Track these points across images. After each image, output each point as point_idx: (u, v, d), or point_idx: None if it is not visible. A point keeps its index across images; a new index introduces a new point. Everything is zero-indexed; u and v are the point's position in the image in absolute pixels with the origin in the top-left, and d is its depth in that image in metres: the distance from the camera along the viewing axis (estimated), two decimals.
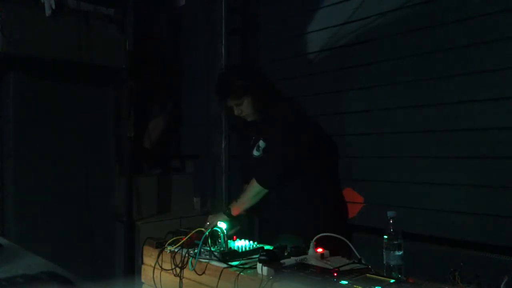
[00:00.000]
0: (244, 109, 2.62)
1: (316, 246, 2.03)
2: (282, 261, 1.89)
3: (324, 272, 1.72)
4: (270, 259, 1.84)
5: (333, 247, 2.06)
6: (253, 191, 2.51)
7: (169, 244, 2.25)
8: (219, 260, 2.02)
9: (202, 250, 2.08)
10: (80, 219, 3.32)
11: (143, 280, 2.39)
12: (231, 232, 2.41)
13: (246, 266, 1.95)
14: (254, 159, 2.65)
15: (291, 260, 1.93)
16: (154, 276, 2.24)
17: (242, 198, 2.54)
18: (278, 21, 3.47)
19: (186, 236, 2.18)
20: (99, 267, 3.37)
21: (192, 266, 2.05)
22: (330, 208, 2.69)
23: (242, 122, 2.76)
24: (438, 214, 2.52)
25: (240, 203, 2.53)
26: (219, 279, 1.92)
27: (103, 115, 3.50)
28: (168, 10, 4.32)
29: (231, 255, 2.05)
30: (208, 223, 2.50)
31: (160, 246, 2.28)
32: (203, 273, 2.02)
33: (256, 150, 2.65)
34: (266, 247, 2.19)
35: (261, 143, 2.63)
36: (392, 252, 1.72)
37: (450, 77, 2.48)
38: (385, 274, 1.71)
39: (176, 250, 2.18)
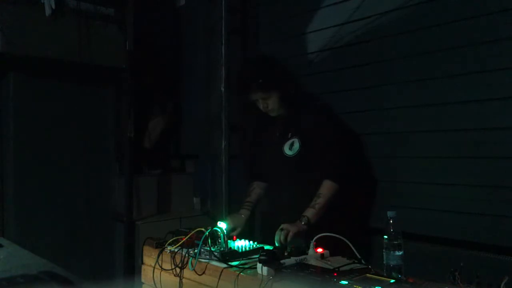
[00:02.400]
0: (271, 103, 2.47)
1: (316, 246, 2.03)
2: (282, 261, 1.89)
3: (324, 272, 1.72)
4: (270, 259, 1.84)
5: (337, 247, 2.05)
6: (331, 192, 2.35)
7: (169, 244, 2.24)
8: (219, 260, 2.02)
9: (202, 250, 2.08)
10: (80, 219, 3.32)
11: (143, 280, 2.39)
12: (233, 233, 2.41)
13: (246, 266, 1.95)
14: (287, 157, 2.48)
15: (291, 260, 1.93)
16: (154, 276, 2.24)
17: (320, 203, 2.31)
18: (278, 21, 3.47)
19: (186, 236, 2.18)
20: (99, 267, 3.37)
21: (192, 266, 2.05)
22: (355, 210, 2.60)
23: (261, 116, 2.60)
24: (438, 214, 2.52)
25: (319, 208, 2.30)
26: (219, 279, 1.92)
27: (103, 115, 3.50)
28: (168, 10, 4.32)
29: (231, 255, 2.05)
30: (286, 231, 2.21)
31: (160, 246, 2.28)
32: (203, 273, 2.02)
33: (289, 149, 2.49)
34: (266, 247, 2.19)
35: (296, 142, 2.48)
36: (392, 252, 1.72)
37: (450, 77, 2.48)
38: (385, 274, 1.71)
39: (176, 250, 2.18)
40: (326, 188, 2.35)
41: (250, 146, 3.03)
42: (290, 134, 2.51)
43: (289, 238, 2.18)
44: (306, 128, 2.47)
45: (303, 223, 2.26)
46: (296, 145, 2.47)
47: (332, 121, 2.61)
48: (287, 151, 2.49)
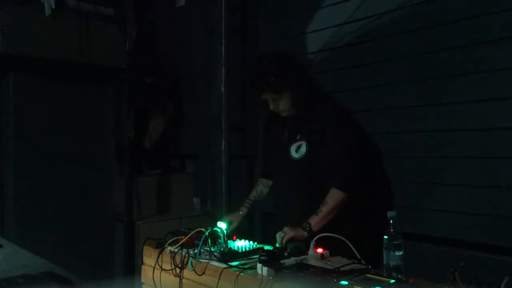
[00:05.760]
0: (282, 104, 2.37)
1: (316, 246, 2.03)
2: (282, 261, 1.89)
3: (324, 273, 1.72)
4: (270, 259, 1.84)
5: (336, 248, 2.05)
6: (336, 200, 2.26)
7: (169, 244, 2.24)
8: (219, 260, 2.02)
9: (202, 250, 2.08)
10: (80, 219, 3.32)
11: (143, 280, 2.39)
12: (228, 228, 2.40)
13: (246, 266, 1.95)
14: (293, 160, 2.40)
15: (291, 260, 1.92)
16: (154, 276, 2.24)
17: (323, 211, 2.24)
18: (278, 21, 3.47)
19: (186, 236, 2.18)
20: (99, 267, 3.37)
21: (192, 267, 2.05)
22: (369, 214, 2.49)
23: (272, 114, 2.51)
24: (439, 214, 2.52)
25: (322, 216, 2.23)
26: (219, 279, 1.92)
27: (103, 115, 3.50)
28: (168, 10, 4.32)
29: (231, 255, 2.05)
30: (284, 233, 2.18)
31: (160, 246, 2.28)
32: (203, 273, 2.02)
33: (295, 151, 2.41)
34: (266, 247, 2.19)
35: (303, 146, 2.39)
36: (392, 252, 1.72)
37: (450, 77, 2.48)
38: (385, 274, 1.71)
39: (176, 250, 2.18)
40: (332, 197, 2.27)
41: (262, 142, 2.96)
42: (298, 136, 2.42)
43: (284, 241, 2.16)
44: (316, 133, 2.38)
45: (304, 229, 2.21)
46: (303, 149, 2.39)
47: (344, 127, 2.43)
48: (293, 153, 2.42)
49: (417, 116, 2.62)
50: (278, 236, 2.19)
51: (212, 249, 2.06)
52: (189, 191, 4.00)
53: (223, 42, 3.54)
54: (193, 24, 4.08)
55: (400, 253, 1.72)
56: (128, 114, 3.37)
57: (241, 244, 2.17)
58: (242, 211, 2.59)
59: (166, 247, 2.24)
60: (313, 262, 1.94)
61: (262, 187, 2.68)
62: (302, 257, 1.99)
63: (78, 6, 3.19)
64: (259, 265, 1.84)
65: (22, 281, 1.19)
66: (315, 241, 2.04)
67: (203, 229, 2.17)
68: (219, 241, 2.15)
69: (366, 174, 2.48)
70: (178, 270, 2.12)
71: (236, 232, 2.44)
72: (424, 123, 2.59)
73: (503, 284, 1.51)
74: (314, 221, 2.22)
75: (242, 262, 2.02)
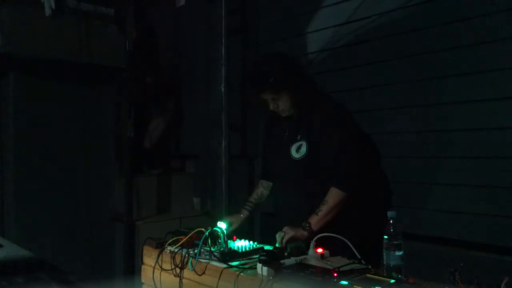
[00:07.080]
0: (281, 104, 2.39)
1: (317, 246, 2.03)
2: (282, 261, 1.89)
3: (324, 272, 1.72)
4: (270, 259, 1.84)
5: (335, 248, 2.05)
6: (336, 200, 2.27)
7: (169, 244, 2.25)
8: (219, 260, 2.02)
9: (202, 250, 2.08)
10: (80, 219, 3.32)
11: (143, 280, 2.39)
12: (229, 229, 2.39)
13: (246, 266, 1.95)
14: (293, 160, 2.42)
15: (291, 260, 1.93)
16: (154, 276, 2.24)
17: (323, 210, 2.25)
18: (278, 21, 3.47)
19: (186, 236, 2.18)
20: (99, 267, 3.37)
21: (192, 266, 2.05)
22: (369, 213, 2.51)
23: (271, 115, 2.55)
24: (439, 214, 2.52)
25: (322, 215, 2.25)
26: (219, 279, 1.92)
27: (103, 115, 3.50)
28: (168, 10, 4.32)
29: (231, 255, 2.05)
30: (284, 233, 2.20)
31: (160, 246, 2.28)
32: (203, 273, 2.02)
33: (296, 151, 2.42)
34: (266, 247, 2.19)
35: (303, 146, 2.40)
36: (392, 252, 1.72)
37: (450, 77, 2.48)
38: (385, 274, 1.71)
39: (176, 250, 2.18)
40: (332, 196, 2.28)
41: (262, 142, 2.94)
42: (299, 136, 2.43)
43: (284, 241, 2.16)
44: (315, 133, 2.39)
45: (304, 229, 2.22)
46: (303, 149, 2.40)
47: (344, 127, 2.44)
48: (294, 153, 2.43)
49: (416, 116, 2.62)
50: (278, 236, 2.20)
51: (212, 249, 2.06)
52: (189, 191, 4.00)
53: (223, 42, 3.54)
54: (193, 24, 4.08)
55: (400, 253, 1.72)
56: (128, 114, 3.37)
57: (241, 244, 2.18)
58: (243, 214, 2.59)
59: (166, 247, 2.25)
60: (313, 262, 1.94)
61: (262, 189, 2.68)
62: (302, 257, 1.99)
63: (78, 6, 3.18)
64: (259, 265, 1.84)
65: (22, 281, 1.19)
66: (315, 241, 2.04)
67: (203, 229, 2.17)
68: (219, 241, 2.15)
69: (366, 173, 2.49)
70: (178, 270, 2.12)
71: (236, 232, 2.44)
72: (424, 123, 2.59)
73: (503, 284, 1.51)
74: (314, 221, 2.24)
75: (242, 262, 2.03)
